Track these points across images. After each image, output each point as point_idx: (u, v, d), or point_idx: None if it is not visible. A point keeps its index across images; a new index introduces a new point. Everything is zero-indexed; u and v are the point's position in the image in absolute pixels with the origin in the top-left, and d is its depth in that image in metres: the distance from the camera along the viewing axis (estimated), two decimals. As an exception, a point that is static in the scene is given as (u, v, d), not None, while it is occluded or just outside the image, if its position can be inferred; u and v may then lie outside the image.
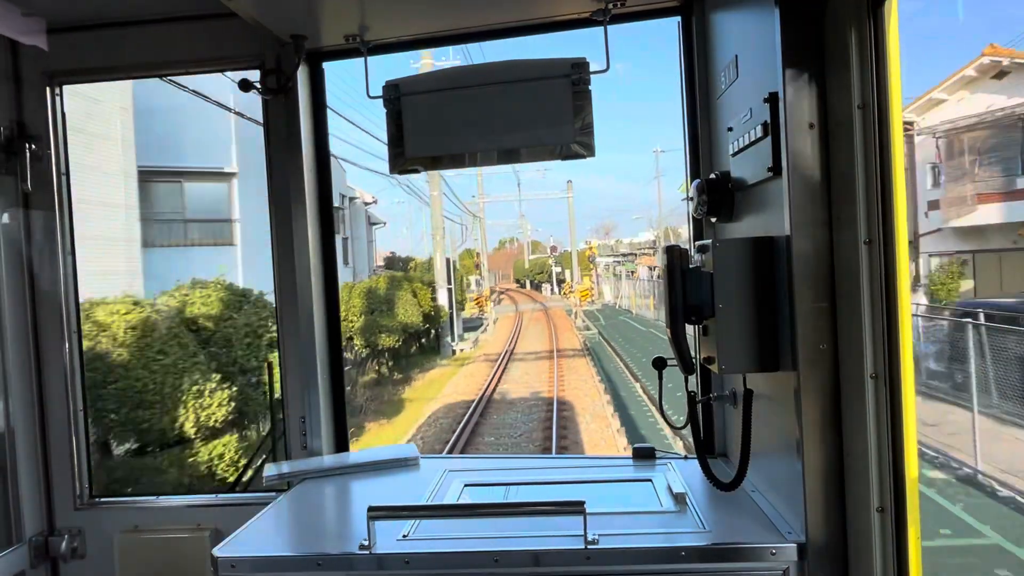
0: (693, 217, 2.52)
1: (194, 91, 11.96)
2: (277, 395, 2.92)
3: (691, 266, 2.08)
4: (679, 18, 2.62)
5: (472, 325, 39.33)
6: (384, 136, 2.57)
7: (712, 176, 2.32)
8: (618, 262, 60.05)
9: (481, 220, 54.37)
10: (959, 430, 10.73)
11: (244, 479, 2.96)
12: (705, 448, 2.36)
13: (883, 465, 1.68)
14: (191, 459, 8.31)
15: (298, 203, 2.75)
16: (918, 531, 1.66)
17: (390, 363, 22.02)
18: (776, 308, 1.92)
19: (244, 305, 9.66)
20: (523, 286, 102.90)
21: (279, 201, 2.77)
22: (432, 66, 19.81)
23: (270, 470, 2.63)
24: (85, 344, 4.20)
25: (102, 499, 2.91)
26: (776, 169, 1.82)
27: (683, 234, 2.86)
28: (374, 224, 34.25)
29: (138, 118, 13.26)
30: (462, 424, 14.76)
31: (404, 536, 1.97)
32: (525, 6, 2.57)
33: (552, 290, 78.15)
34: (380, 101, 2.56)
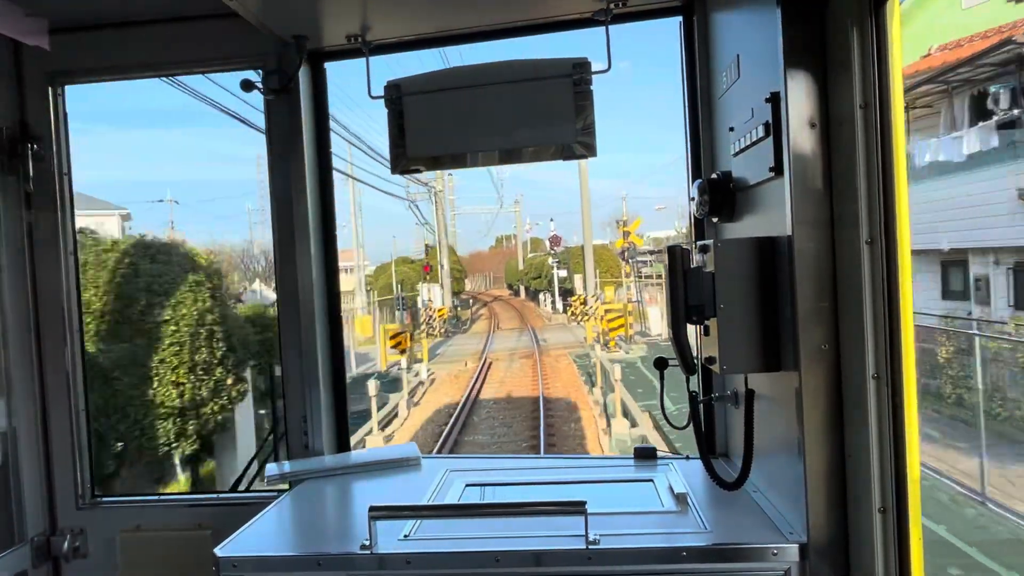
0: (695, 217, 2.52)
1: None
2: (279, 395, 2.92)
3: (692, 266, 2.08)
4: (681, 18, 2.62)
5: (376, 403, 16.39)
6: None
7: (714, 176, 2.32)
8: (643, 262, 43.24)
9: (439, 194, 34.92)
10: None
11: (245, 479, 2.96)
12: (707, 448, 2.35)
13: (885, 465, 1.68)
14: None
15: (299, 203, 2.75)
16: (920, 531, 1.66)
17: None
18: (777, 308, 1.91)
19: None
20: (516, 293, 77.07)
21: (281, 201, 2.77)
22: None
23: (271, 470, 2.63)
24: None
25: (104, 498, 2.92)
26: (778, 169, 1.82)
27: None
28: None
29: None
30: None
31: (405, 536, 1.97)
32: (526, 6, 2.57)
33: (553, 304, 49.63)
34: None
